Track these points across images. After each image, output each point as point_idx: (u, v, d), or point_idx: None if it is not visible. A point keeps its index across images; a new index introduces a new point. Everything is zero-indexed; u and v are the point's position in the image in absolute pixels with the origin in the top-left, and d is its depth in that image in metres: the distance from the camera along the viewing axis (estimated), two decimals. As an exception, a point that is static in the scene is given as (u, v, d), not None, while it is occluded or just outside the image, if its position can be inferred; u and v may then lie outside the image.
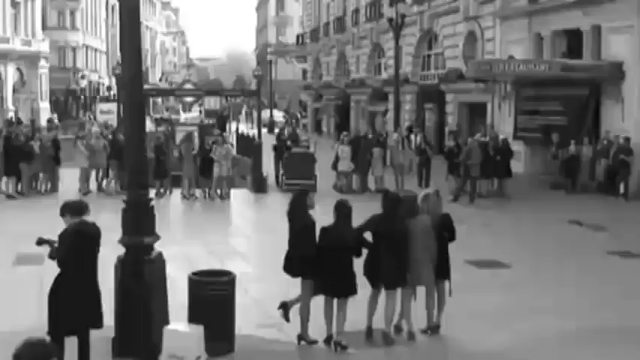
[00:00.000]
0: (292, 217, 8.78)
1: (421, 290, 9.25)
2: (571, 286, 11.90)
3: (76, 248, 7.41)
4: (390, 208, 8.92)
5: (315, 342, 8.83)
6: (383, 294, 8.97)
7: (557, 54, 26.09)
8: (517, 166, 24.38)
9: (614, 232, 16.93)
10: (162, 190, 21.64)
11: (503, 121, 28.65)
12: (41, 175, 22.02)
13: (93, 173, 22.31)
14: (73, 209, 7.67)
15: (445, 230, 9.26)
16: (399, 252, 8.75)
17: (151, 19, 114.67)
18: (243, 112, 71.79)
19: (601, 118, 23.83)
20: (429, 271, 9.06)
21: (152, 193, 19.39)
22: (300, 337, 8.80)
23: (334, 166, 23.23)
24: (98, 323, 7.58)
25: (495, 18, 29.71)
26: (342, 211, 8.65)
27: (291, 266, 8.75)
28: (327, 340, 8.75)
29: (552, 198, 22.11)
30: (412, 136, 30.21)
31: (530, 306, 10.72)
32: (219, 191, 21.61)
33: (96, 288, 7.57)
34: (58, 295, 7.36)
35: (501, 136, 23.96)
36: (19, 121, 46.66)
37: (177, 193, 21.99)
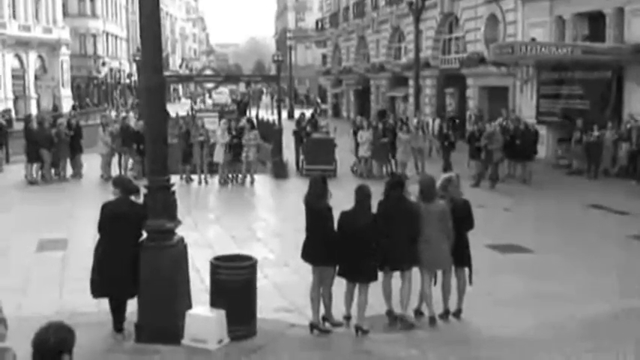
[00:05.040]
0: (309, 203, 8.75)
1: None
2: (595, 271, 11.80)
3: (102, 221, 8.23)
4: (391, 192, 8.92)
5: (340, 324, 8.86)
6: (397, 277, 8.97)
7: (579, 37, 25.83)
8: (539, 150, 24.17)
9: (636, 216, 16.77)
10: (191, 177, 21.81)
11: (525, 105, 28.45)
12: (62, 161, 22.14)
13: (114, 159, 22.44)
14: (120, 185, 8.45)
15: (463, 217, 9.20)
16: (402, 232, 8.72)
17: (171, 6, 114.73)
18: (264, 97, 72.08)
19: (624, 101, 23.58)
20: (447, 255, 9.03)
21: (178, 178, 19.64)
22: (324, 319, 8.81)
23: (357, 152, 23.22)
24: (118, 294, 8.20)
25: (517, 0, 29.41)
26: (360, 195, 8.64)
27: (310, 254, 8.74)
28: (346, 319, 8.86)
29: (574, 183, 21.95)
30: (432, 121, 30.13)
31: (553, 291, 10.65)
32: (248, 176, 21.69)
33: (113, 261, 8.03)
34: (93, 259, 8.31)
35: (528, 120, 23.74)
36: (55, 109, 48.24)
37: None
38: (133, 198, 8.41)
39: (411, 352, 8.17)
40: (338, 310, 8.89)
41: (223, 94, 62.08)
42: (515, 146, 21.67)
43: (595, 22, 25.22)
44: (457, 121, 31.27)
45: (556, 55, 24.36)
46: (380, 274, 8.77)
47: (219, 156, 21.48)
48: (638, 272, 11.78)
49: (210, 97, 77.89)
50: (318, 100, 64.79)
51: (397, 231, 8.71)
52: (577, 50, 23.74)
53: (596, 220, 16.72)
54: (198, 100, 67.77)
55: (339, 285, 8.79)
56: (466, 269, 9.30)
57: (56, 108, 51.77)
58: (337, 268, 8.64)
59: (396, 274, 8.99)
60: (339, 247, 8.52)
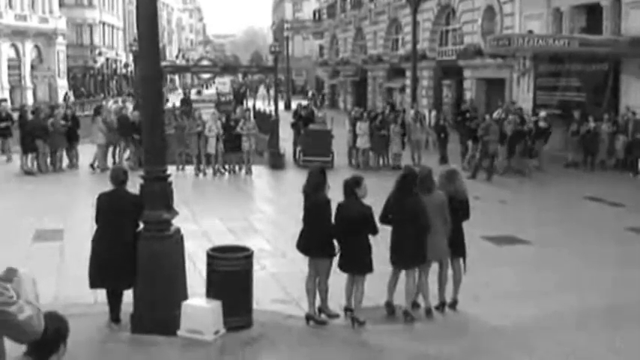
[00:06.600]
0: (308, 195, 8.74)
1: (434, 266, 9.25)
2: (590, 263, 11.82)
3: (98, 212, 8.32)
4: (404, 185, 8.86)
5: (336, 316, 8.87)
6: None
7: (576, 29, 25.81)
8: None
9: (632, 208, 16.80)
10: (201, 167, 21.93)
11: (522, 97, 28.44)
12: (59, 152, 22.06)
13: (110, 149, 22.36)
14: (110, 178, 8.51)
15: (459, 208, 9.20)
16: (416, 229, 8.71)
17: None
18: (261, 88, 72.08)
19: (620, 94, 23.59)
20: (445, 246, 9.03)
21: (174, 169, 19.56)
22: (320, 311, 8.82)
23: (354, 144, 23.19)
24: (115, 284, 8.22)
25: (514, -8, 29.40)
26: (344, 187, 8.62)
27: (305, 245, 8.74)
28: (345, 310, 8.86)
29: (570, 175, 21.96)
30: (428, 113, 30.08)
31: (549, 282, 10.68)
32: (243, 166, 21.77)
33: (110, 252, 8.04)
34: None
35: (542, 114, 23.73)
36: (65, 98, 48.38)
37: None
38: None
39: (409, 344, 8.19)
40: (336, 303, 8.90)
41: (226, 84, 63.81)
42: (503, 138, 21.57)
43: (592, 14, 25.22)
44: (468, 114, 30.48)
45: (553, 48, 24.35)
46: (380, 265, 8.76)
47: (211, 147, 21.52)
48: (634, 264, 11.80)
49: (206, 87, 78.62)
50: (314, 92, 64.70)
51: (403, 226, 8.69)
52: (574, 42, 23.72)
53: (593, 212, 16.74)
54: (194, 90, 68.25)
55: (339, 276, 8.79)
56: (460, 259, 9.32)
57: (66, 97, 51.93)
58: (333, 259, 8.65)
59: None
60: (335, 239, 8.52)
